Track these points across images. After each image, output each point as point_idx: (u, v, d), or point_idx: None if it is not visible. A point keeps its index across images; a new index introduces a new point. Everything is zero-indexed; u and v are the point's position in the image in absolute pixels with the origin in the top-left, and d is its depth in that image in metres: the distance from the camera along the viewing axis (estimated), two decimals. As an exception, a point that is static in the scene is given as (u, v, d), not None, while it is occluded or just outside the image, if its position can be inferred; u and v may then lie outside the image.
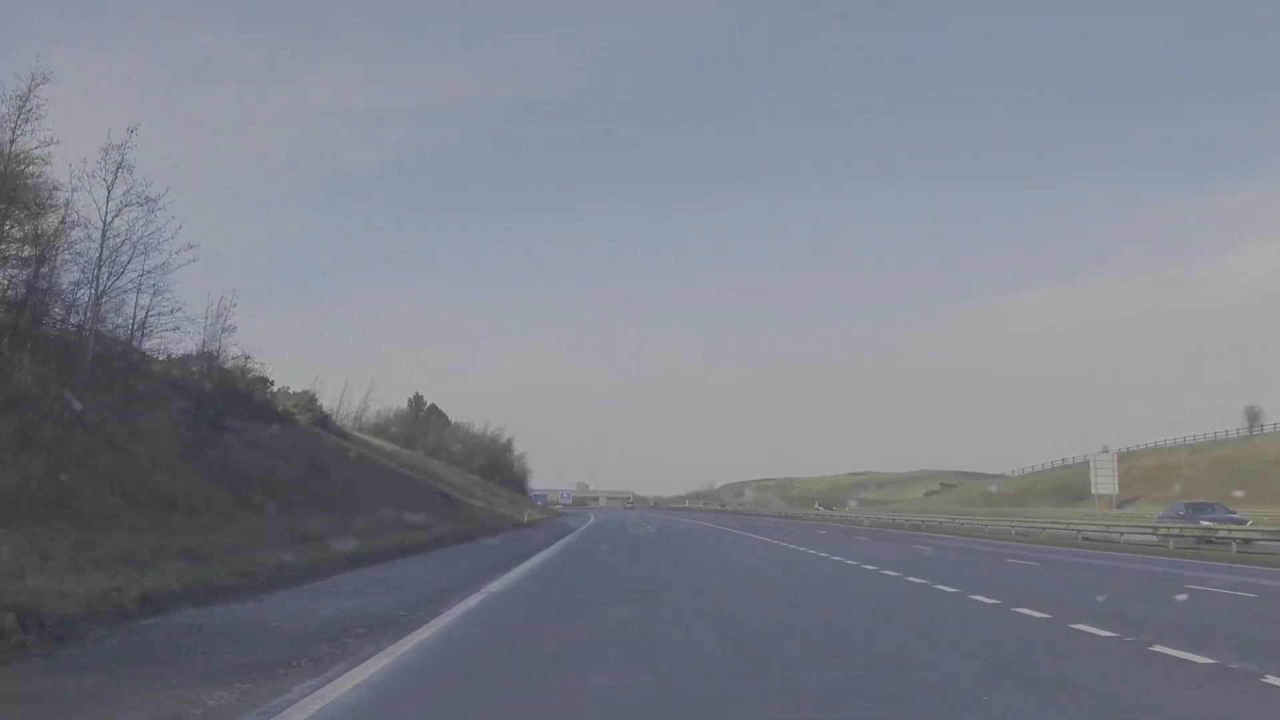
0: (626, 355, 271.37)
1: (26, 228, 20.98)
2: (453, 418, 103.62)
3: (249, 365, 36.02)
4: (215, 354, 31.51)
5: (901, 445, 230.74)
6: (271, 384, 41.27)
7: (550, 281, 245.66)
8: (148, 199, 23.40)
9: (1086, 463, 71.32)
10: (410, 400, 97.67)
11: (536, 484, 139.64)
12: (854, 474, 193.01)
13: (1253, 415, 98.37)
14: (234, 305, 31.78)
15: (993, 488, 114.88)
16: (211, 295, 40.89)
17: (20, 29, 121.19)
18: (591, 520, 70.73)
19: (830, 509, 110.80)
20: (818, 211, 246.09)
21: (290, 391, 45.75)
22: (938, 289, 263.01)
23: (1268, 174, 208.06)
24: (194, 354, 30.50)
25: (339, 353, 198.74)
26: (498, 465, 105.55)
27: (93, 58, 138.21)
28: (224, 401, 30.19)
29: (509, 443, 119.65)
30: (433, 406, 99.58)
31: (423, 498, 39.98)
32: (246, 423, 30.73)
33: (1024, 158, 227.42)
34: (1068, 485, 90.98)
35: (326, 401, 59.18)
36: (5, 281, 21.04)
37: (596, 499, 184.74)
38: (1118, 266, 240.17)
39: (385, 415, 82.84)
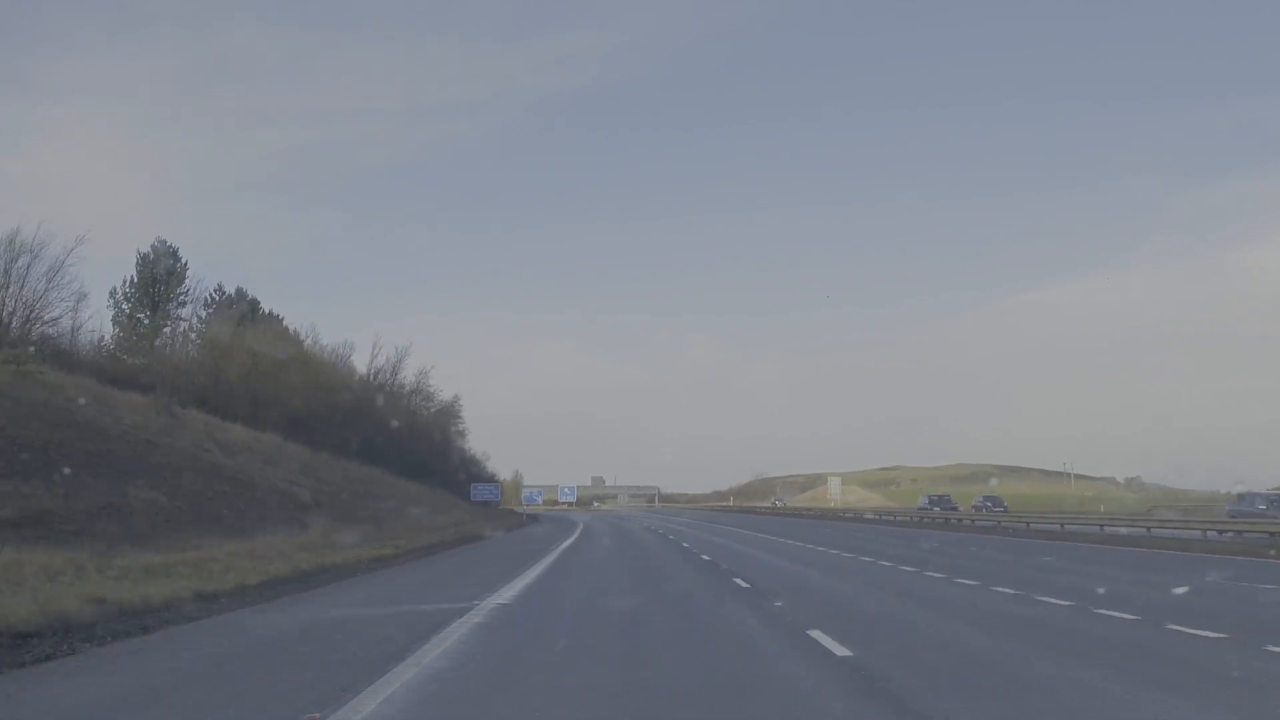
0: (647, 351, 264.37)
1: None
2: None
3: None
4: None
5: (930, 439, 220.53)
6: None
7: (567, 280, 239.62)
8: None
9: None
10: (140, 259, 51.85)
11: (546, 479, 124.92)
12: (883, 469, 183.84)
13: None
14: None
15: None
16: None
17: (40, 26, 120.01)
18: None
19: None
20: (844, 207, 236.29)
21: None
22: (959, 284, 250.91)
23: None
24: None
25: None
26: (372, 418, 53.04)
27: (115, 54, 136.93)
28: None
29: (401, 376, 69.03)
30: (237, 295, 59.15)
31: None
32: None
33: (1046, 151, 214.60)
34: None
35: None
36: None
37: (615, 496, 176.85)
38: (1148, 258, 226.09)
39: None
